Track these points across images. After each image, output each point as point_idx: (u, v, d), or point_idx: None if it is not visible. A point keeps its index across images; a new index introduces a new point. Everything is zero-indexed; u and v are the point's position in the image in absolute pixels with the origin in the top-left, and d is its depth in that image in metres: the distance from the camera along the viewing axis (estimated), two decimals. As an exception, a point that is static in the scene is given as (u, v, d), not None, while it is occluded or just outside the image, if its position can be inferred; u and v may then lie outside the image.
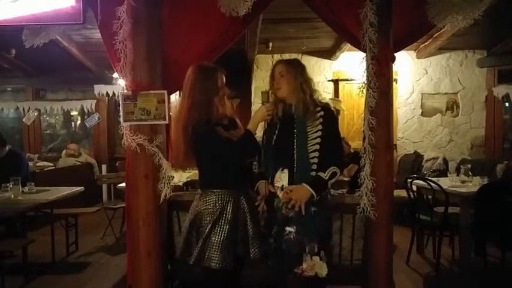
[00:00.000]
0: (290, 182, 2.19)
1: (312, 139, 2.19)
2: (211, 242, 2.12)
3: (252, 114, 2.29)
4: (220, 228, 2.14)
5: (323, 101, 2.36)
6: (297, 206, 2.12)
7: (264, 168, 2.33)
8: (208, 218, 2.16)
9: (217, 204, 2.16)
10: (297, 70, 2.30)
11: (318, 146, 2.18)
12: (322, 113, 2.24)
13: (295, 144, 2.19)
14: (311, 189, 2.12)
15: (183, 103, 2.21)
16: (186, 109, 2.19)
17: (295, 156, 2.19)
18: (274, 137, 2.29)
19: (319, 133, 2.19)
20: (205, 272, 2.18)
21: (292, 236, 2.15)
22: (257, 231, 2.23)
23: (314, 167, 2.17)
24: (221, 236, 2.12)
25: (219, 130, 2.17)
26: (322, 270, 2.14)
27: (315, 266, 2.12)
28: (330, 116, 2.27)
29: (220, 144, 2.15)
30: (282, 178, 2.22)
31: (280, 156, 2.25)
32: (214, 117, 2.20)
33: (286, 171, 2.21)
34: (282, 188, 2.20)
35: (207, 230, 2.13)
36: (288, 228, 2.16)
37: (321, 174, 2.16)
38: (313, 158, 2.18)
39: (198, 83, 2.19)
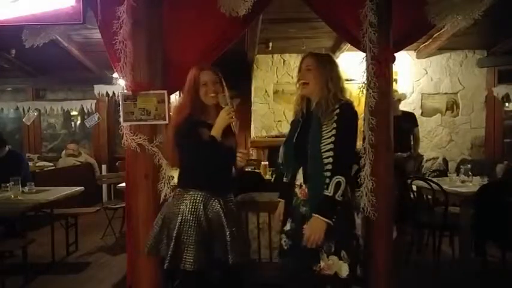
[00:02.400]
0: (304, 181, 2.17)
1: (326, 138, 2.07)
2: (183, 243, 2.10)
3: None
4: (190, 229, 2.11)
5: (345, 99, 2.19)
6: (313, 243, 2.03)
7: (285, 167, 2.30)
8: (178, 219, 2.14)
9: (188, 204, 2.15)
10: (326, 66, 2.19)
11: (332, 146, 2.05)
12: (338, 110, 2.11)
13: (309, 143, 2.15)
14: (323, 218, 2.02)
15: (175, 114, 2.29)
16: (175, 110, 2.26)
17: (308, 155, 2.14)
18: (296, 135, 2.25)
19: (334, 131, 2.07)
20: (183, 274, 2.16)
21: None
22: (236, 236, 2.18)
23: (329, 167, 2.04)
24: (192, 237, 2.10)
25: (200, 131, 2.18)
26: (342, 270, 2.08)
27: (333, 265, 2.08)
28: (344, 113, 2.11)
29: (189, 145, 2.18)
30: (299, 176, 2.22)
31: (298, 154, 2.21)
32: (199, 116, 2.23)
33: (301, 169, 2.20)
34: (300, 186, 2.19)
35: (176, 230, 2.12)
36: (306, 227, 2.12)
37: (325, 192, 2.03)
38: (327, 157, 2.05)
39: (186, 84, 2.26)
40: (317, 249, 2.09)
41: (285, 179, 2.33)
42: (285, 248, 2.22)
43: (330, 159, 2.04)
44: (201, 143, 2.16)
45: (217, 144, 2.16)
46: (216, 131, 2.18)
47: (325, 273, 2.10)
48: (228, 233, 2.16)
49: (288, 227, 2.24)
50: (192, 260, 2.08)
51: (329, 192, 2.02)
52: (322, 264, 2.10)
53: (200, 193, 2.17)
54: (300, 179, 2.20)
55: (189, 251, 2.09)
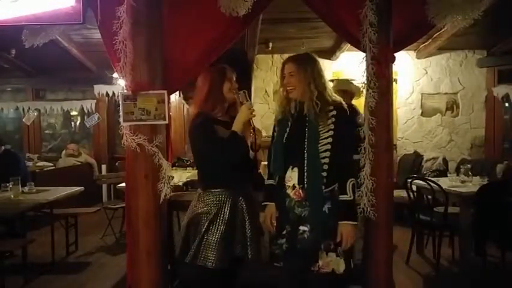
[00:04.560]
0: (300, 181, 2.17)
1: (323, 139, 2.14)
2: (207, 241, 2.14)
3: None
4: (216, 228, 2.14)
5: (336, 98, 2.27)
6: (349, 246, 2.15)
7: (273, 167, 2.30)
8: (205, 218, 2.17)
9: (214, 204, 2.18)
10: (307, 68, 2.23)
11: (329, 146, 2.13)
12: (334, 112, 2.18)
13: (305, 144, 2.16)
14: (351, 222, 2.13)
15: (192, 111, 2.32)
16: (193, 115, 2.28)
17: (305, 156, 2.16)
18: (285, 135, 2.26)
19: (331, 133, 2.14)
20: (200, 270, 2.18)
21: (306, 235, 2.14)
22: (255, 233, 2.23)
23: (325, 167, 2.13)
24: (217, 236, 2.13)
25: (217, 128, 2.19)
26: (339, 266, 2.13)
27: (331, 262, 2.13)
28: (343, 116, 2.19)
29: (207, 142, 2.18)
30: (292, 177, 2.21)
31: (290, 154, 2.22)
32: (212, 113, 2.24)
33: (296, 169, 2.20)
34: (294, 187, 2.19)
35: (203, 229, 2.15)
36: (301, 228, 2.15)
37: (344, 197, 2.12)
38: (324, 158, 2.13)
39: (206, 87, 2.28)
40: (316, 248, 2.12)
41: (271, 181, 2.32)
42: (284, 249, 2.21)
43: (327, 159, 2.13)
44: (221, 140, 2.17)
45: (239, 139, 2.18)
46: (237, 127, 2.20)
47: (324, 271, 2.12)
48: (249, 229, 2.20)
49: (284, 230, 2.22)
50: (213, 258, 2.10)
51: (349, 196, 2.12)
52: (320, 263, 2.12)
53: (224, 192, 2.19)
54: (292, 180, 2.21)
55: (212, 249, 2.12)
